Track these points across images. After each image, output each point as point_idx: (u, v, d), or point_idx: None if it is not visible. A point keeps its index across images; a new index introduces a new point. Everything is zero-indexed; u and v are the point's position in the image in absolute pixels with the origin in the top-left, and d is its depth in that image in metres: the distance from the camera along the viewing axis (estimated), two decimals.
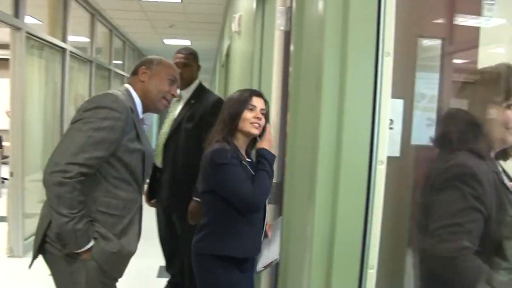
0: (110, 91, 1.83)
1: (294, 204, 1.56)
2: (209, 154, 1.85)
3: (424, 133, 2.37)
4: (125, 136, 1.73)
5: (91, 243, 1.69)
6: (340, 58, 1.16)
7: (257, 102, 1.90)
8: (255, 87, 2.39)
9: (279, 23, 1.92)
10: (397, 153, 1.32)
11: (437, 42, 2.21)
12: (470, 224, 1.25)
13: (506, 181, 1.37)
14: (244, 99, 1.90)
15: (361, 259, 1.18)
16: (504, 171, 1.47)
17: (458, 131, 1.38)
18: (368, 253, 1.17)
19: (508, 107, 1.33)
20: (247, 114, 1.87)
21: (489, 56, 2.57)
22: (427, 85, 2.41)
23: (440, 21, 2.07)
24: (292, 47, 1.61)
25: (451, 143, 1.39)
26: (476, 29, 2.35)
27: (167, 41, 9.23)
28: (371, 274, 1.17)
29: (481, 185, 1.26)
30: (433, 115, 2.40)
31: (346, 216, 1.17)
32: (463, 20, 2.18)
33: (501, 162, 1.47)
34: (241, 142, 1.93)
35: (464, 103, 1.46)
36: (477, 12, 2.29)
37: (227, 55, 5.17)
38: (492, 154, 1.39)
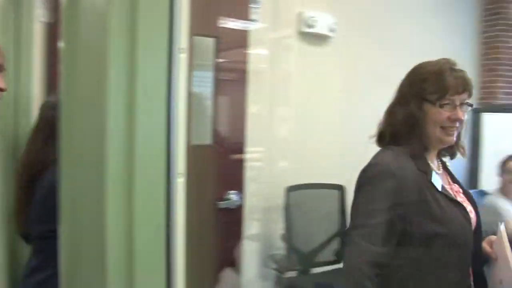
0: None
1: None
2: None
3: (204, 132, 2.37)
4: None
5: None
6: (127, 55, 0.97)
7: None
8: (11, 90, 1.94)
9: (39, 13, 1.59)
10: None
11: (211, 41, 2.23)
12: (377, 227, 1.21)
13: (437, 181, 1.31)
14: None
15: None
16: (450, 173, 1.45)
17: (393, 129, 1.35)
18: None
19: (441, 106, 1.29)
20: None
21: (256, 56, 2.77)
22: (201, 83, 2.42)
23: (213, 21, 2.08)
24: (61, 43, 1.31)
25: (385, 141, 1.37)
26: (245, 32, 2.49)
27: None
28: None
29: (398, 184, 1.23)
30: (209, 113, 2.41)
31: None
32: (234, 22, 2.24)
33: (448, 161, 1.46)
34: None
35: (397, 100, 1.38)
36: (246, 15, 2.42)
37: None
38: (430, 153, 1.36)
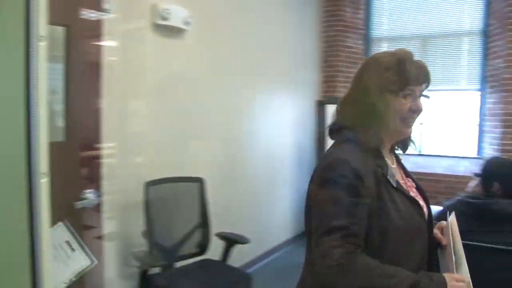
0: None
1: None
2: None
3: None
4: None
5: None
6: None
7: None
8: None
9: None
10: None
11: (61, 30, 2.05)
12: (352, 227, 1.13)
13: (392, 177, 1.26)
14: None
15: None
16: (403, 167, 1.43)
17: (349, 122, 1.29)
18: None
19: (404, 97, 1.25)
20: None
21: (109, 48, 2.63)
22: (51, 76, 2.22)
23: (63, 9, 1.91)
24: None
25: (340, 134, 1.30)
26: (98, 22, 2.34)
27: None
28: None
29: (360, 180, 1.17)
30: (60, 108, 2.23)
31: None
32: (86, 11, 2.10)
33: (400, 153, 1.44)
34: None
35: (354, 91, 1.32)
36: (99, 5, 2.27)
37: None
38: (385, 147, 1.32)
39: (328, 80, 5.42)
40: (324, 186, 1.20)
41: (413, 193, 1.34)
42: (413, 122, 1.29)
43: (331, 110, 5.21)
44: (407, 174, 1.42)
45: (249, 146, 4.03)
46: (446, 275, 1.17)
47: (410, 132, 1.32)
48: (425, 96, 1.29)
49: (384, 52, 1.32)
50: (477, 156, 4.99)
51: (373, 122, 1.25)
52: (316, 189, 1.24)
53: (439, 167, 4.98)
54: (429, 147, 5.32)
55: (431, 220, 1.37)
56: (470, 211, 1.97)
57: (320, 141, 4.64)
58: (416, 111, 1.27)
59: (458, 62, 5.06)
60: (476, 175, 2.13)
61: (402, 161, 1.45)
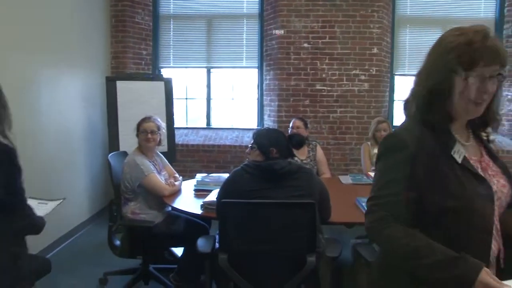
0: None
1: None
2: None
3: None
4: None
5: None
6: None
7: None
8: None
9: None
10: None
11: None
12: (389, 197, 1.23)
13: (459, 153, 1.26)
14: None
15: None
16: (487, 146, 1.38)
17: (418, 100, 1.30)
18: None
19: (470, 77, 1.21)
20: None
21: None
22: None
23: None
24: None
25: (410, 110, 1.33)
26: None
27: None
28: None
29: (411, 155, 1.22)
30: None
31: None
32: None
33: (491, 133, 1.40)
34: None
35: (424, 70, 1.31)
36: None
37: None
38: (458, 124, 1.31)
39: (117, 56, 5.29)
40: (379, 157, 1.33)
41: (491, 172, 1.31)
42: (482, 102, 1.25)
43: (121, 86, 5.11)
44: (490, 153, 1.37)
45: (37, 124, 3.70)
46: (485, 271, 1.12)
47: (479, 112, 1.27)
48: (501, 75, 1.23)
49: (456, 29, 1.26)
50: (258, 127, 5.58)
51: (437, 102, 1.26)
52: (376, 158, 1.36)
53: (227, 139, 5.41)
54: (217, 121, 5.71)
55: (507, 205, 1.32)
56: (257, 172, 2.28)
57: (111, 117, 4.52)
58: (484, 93, 1.22)
59: (240, 42, 5.51)
60: (252, 147, 2.45)
61: (490, 140, 1.42)
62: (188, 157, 5.27)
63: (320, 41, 5.11)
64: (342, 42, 5.08)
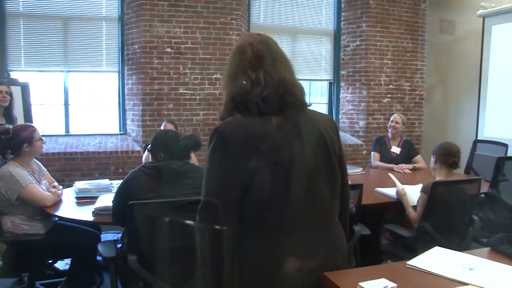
0: None
1: None
2: None
3: None
4: None
5: None
6: None
7: None
8: None
9: None
10: None
11: None
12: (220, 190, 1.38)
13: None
14: None
15: None
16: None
17: (231, 99, 1.49)
18: None
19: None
20: None
21: None
22: None
23: None
24: None
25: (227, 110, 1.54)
26: None
27: None
28: None
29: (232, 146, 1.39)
30: None
31: None
32: None
33: None
34: None
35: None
36: None
37: None
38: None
39: None
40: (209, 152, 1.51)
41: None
42: None
43: None
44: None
45: None
46: None
47: None
48: None
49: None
50: (121, 132, 5.49)
51: (247, 98, 1.45)
52: None
53: (90, 145, 5.22)
54: (77, 127, 5.46)
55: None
56: (155, 172, 2.33)
57: None
58: None
59: (99, 45, 5.34)
60: (147, 148, 2.52)
61: None
62: (49, 167, 4.93)
63: (182, 46, 5.22)
64: (203, 47, 5.26)
